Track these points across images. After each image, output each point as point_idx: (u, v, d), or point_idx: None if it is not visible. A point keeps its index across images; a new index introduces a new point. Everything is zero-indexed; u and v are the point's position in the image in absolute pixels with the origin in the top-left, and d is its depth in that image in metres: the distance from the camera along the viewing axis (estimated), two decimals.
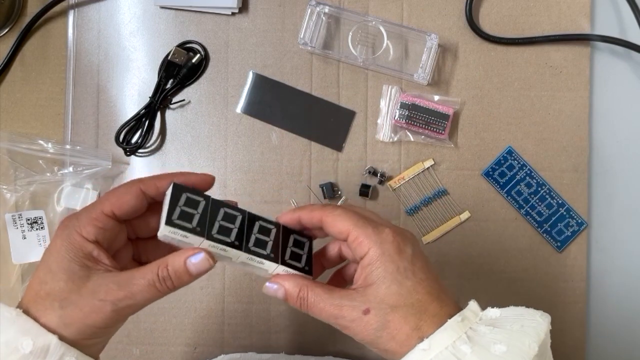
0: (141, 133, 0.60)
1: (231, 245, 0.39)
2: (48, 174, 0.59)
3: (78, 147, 0.60)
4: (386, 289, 0.37)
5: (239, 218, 0.40)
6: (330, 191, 0.59)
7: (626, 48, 0.59)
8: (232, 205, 0.40)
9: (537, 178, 0.59)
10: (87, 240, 0.37)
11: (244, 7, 0.61)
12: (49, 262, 0.37)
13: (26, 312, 0.35)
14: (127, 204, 0.38)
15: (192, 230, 0.37)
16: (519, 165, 0.59)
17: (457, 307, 0.38)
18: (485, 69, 0.60)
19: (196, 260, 0.37)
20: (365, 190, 0.59)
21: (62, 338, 0.35)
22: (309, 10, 0.57)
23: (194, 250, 0.37)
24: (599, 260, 0.60)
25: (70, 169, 0.60)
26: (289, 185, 0.60)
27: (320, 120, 0.60)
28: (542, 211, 0.59)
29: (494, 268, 0.59)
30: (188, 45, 0.61)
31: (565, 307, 0.59)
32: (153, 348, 0.60)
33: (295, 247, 0.41)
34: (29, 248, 0.59)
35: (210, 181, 0.41)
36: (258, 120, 0.61)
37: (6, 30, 0.62)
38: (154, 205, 0.40)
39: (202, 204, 0.39)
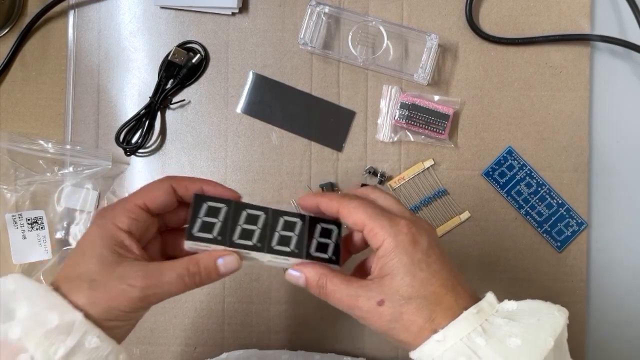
0: (141, 133, 0.60)
1: (253, 248, 0.39)
2: (48, 174, 0.59)
3: (78, 147, 0.60)
4: (400, 280, 0.37)
5: (262, 218, 0.40)
6: (331, 191, 0.59)
7: (626, 48, 0.59)
8: (256, 206, 0.41)
9: (537, 178, 0.59)
10: (121, 230, 0.38)
11: (244, 7, 0.61)
12: (83, 247, 0.38)
13: (57, 289, 0.37)
14: (159, 199, 0.40)
15: (213, 241, 0.39)
16: (519, 165, 0.59)
17: (474, 298, 0.38)
18: (485, 69, 0.60)
19: (226, 261, 0.39)
20: None
21: (87, 316, 0.36)
22: (309, 10, 0.57)
23: (225, 252, 0.39)
24: (599, 260, 0.60)
25: (71, 169, 0.60)
26: (289, 185, 0.60)
27: (320, 120, 0.60)
28: (542, 211, 0.59)
29: (494, 268, 0.59)
30: (188, 46, 0.61)
31: (565, 307, 0.59)
32: (153, 348, 0.60)
33: (322, 237, 0.41)
34: (29, 248, 0.59)
35: (237, 199, 0.41)
36: (258, 120, 0.61)
37: (6, 31, 0.62)
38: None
39: (224, 210, 0.40)
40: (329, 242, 0.41)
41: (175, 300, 0.60)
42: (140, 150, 0.60)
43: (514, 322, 0.36)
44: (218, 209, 0.40)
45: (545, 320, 0.36)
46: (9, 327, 0.34)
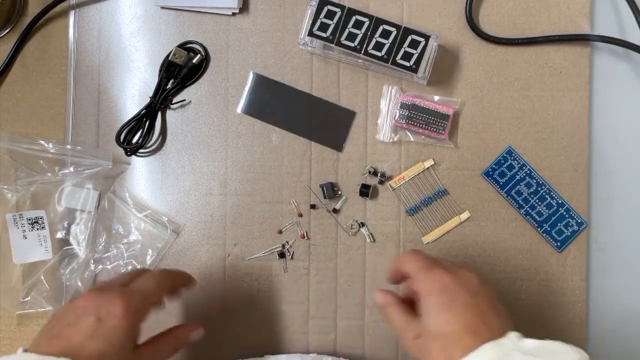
0: (142, 133, 0.60)
1: (354, 49, 0.55)
2: (49, 174, 0.60)
3: (78, 147, 0.60)
4: (428, 319, 0.43)
5: (366, 24, 0.55)
6: (331, 191, 0.59)
7: (626, 48, 0.59)
8: (363, 13, 0.55)
9: (537, 178, 0.59)
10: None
11: (244, 7, 0.61)
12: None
13: None
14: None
15: (326, 39, 0.56)
16: (519, 165, 0.59)
17: (501, 336, 0.41)
18: (485, 69, 0.60)
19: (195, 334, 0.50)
20: (365, 190, 0.59)
21: None
22: (309, 10, 0.57)
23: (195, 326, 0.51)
24: (599, 260, 0.60)
25: (71, 169, 0.60)
26: (289, 185, 0.60)
27: (321, 120, 0.60)
28: (542, 211, 0.59)
29: (494, 268, 0.59)
30: (188, 46, 0.61)
31: (565, 307, 0.59)
32: None
33: (410, 47, 0.55)
34: (30, 248, 0.60)
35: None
36: (258, 120, 0.61)
37: (7, 31, 0.62)
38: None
39: (338, 14, 0.56)
40: (414, 52, 0.55)
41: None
42: (140, 150, 0.61)
43: (531, 357, 0.38)
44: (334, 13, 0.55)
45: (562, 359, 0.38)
46: None
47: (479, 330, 0.41)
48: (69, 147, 0.60)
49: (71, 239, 0.60)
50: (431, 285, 0.44)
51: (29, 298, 0.59)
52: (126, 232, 0.60)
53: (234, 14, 0.61)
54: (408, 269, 0.47)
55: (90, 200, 0.60)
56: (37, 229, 0.60)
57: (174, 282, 0.51)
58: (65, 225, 0.60)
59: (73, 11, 0.62)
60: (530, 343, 0.40)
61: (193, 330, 0.50)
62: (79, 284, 0.60)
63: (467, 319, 0.42)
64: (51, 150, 0.59)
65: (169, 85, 0.60)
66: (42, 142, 0.59)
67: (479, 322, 0.42)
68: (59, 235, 0.60)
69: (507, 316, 0.44)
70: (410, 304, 0.47)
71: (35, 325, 0.61)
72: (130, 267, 0.60)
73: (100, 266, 0.60)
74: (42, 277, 0.60)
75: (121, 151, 0.60)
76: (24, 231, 0.59)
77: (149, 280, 0.48)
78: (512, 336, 0.40)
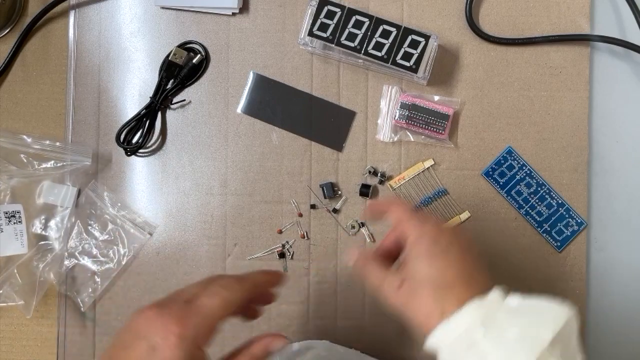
0: (142, 133, 0.60)
1: (354, 49, 0.55)
2: (29, 169, 0.60)
3: (57, 143, 0.59)
4: (417, 266, 0.41)
5: (366, 24, 0.55)
6: (331, 191, 0.59)
7: (626, 48, 0.59)
8: (363, 13, 0.55)
9: (536, 178, 0.59)
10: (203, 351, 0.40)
11: (244, 7, 0.61)
12: None
13: None
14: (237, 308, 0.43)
15: (326, 39, 0.55)
16: (519, 165, 0.59)
17: (486, 291, 0.40)
18: (485, 69, 0.60)
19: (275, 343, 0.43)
20: (365, 190, 0.59)
21: None
22: (309, 10, 0.57)
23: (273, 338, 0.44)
24: (599, 260, 0.60)
25: (51, 164, 0.60)
26: (289, 185, 0.60)
27: (321, 121, 0.60)
28: (542, 211, 0.59)
29: (494, 268, 0.59)
30: (189, 46, 0.61)
31: None
32: None
33: (410, 47, 0.55)
34: (6, 241, 0.59)
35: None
36: (258, 120, 0.61)
37: (7, 31, 0.62)
38: None
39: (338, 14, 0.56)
40: (414, 52, 0.55)
41: None
42: (140, 150, 0.61)
43: (514, 316, 0.38)
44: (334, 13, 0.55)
45: (546, 316, 0.38)
46: None
47: (470, 282, 0.41)
48: (49, 142, 0.59)
49: (48, 234, 0.60)
50: (424, 232, 0.42)
51: (1, 291, 0.59)
52: (101, 230, 0.61)
53: (234, 14, 0.61)
54: (396, 214, 0.45)
55: (68, 196, 0.60)
56: (14, 223, 0.59)
57: (250, 292, 0.43)
58: (43, 220, 0.60)
59: (73, 11, 0.62)
60: (515, 301, 0.40)
61: (273, 341, 0.43)
62: (52, 277, 0.60)
63: (460, 268, 0.41)
64: (32, 146, 0.59)
65: (169, 85, 0.60)
66: (24, 137, 0.59)
67: (471, 273, 0.42)
68: (36, 230, 0.60)
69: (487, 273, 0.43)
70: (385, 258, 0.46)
71: (7, 319, 0.61)
72: (107, 266, 0.60)
73: (74, 261, 0.60)
74: (16, 271, 0.59)
75: (121, 150, 0.60)
76: (0, 225, 0.59)
77: (215, 297, 0.41)
78: (497, 292, 0.40)
